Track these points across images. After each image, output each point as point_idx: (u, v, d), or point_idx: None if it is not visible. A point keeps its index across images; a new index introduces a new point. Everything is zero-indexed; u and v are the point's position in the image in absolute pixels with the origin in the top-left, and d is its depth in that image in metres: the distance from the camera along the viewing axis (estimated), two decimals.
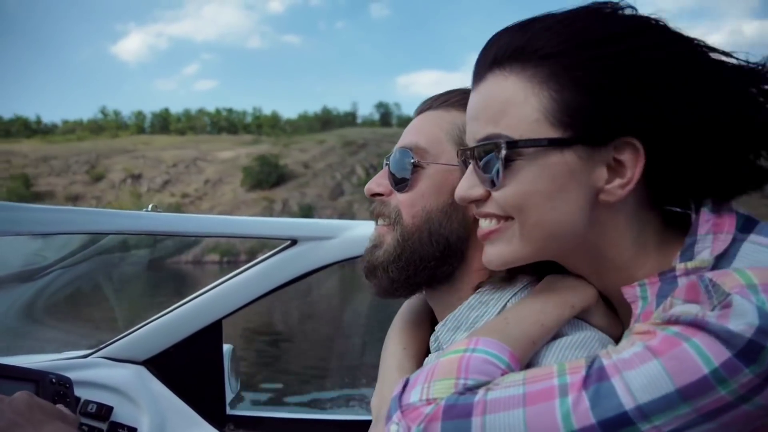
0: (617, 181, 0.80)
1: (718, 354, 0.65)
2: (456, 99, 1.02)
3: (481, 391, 0.74)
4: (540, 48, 0.79)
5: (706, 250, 0.80)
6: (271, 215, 63.86)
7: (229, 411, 2.03)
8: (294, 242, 1.89)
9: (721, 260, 0.79)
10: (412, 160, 1.00)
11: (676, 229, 0.86)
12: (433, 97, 1.06)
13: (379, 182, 1.05)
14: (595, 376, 0.69)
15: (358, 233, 1.85)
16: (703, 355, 0.65)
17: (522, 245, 0.85)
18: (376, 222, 1.07)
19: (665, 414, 0.66)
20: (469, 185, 0.87)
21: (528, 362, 0.85)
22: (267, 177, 76.45)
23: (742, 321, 0.65)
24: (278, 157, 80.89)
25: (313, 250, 1.88)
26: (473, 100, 0.87)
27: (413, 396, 0.77)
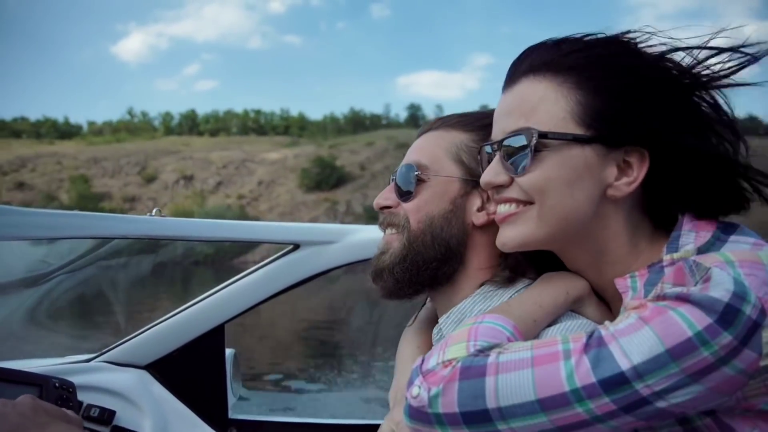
0: (624, 180, 0.93)
1: (700, 319, 0.74)
2: (455, 121, 1.15)
3: (493, 354, 0.83)
4: (572, 62, 0.93)
5: (690, 244, 0.90)
6: (334, 217, 64.80)
7: (231, 415, 2.04)
8: (296, 246, 1.90)
9: (704, 252, 0.89)
10: (416, 173, 1.12)
11: (664, 231, 0.98)
12: (434, 119, 1.20)
13: (386, 196, 1.17)
14: (594, 343, 0.79)
15: (361, 237, 1.86)
16: (687, 321, 0.75)
17: (537, 227, 0.95)
18: (385, 232, 1.18)
19: (657, 373, 0.74)
20: (494, 172, 0.98)
21: None
22: (326, 178, 76.71)
23: (720, 288, 0.75)
24: (334, 159, 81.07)
25: (315, 255, 1.88)
26: (506, 100, 1.00)
27: (431, 362, 0.87)
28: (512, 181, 0.96)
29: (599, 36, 0.96)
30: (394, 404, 1.10)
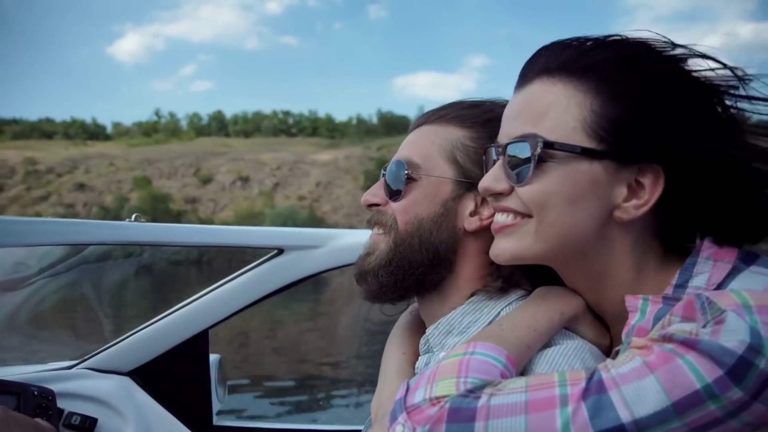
0: (634, 202, 0.85)
1: (710, 371, 0.68)
2: (453, 114, 1.07)
3: (484, 396, 0.77)
4: (590, 63, 0.85)
5: (704, 273, 0.84)
6: None
7: (216, 421, 2.02)
8: (281, 251, 1.89)
9: (719, 286, 0.82)
10: (406, 172, 1.05)
11: (676, 256, 0.90)
12: (431, 111, 1.10)
13: (375, 193, 1.10)
14: (594, 389, 0.73)
15: (345, 242, 1.86)
16: (696, 372, 0.68)
17: (534, 243, 0.88)
18: (372, 230, 1.12)
19: (658, 428, 0.69)
20: (494, 178, 0.91)
21: (523, 368, 0.88)
22: None
23: (734, 337, 0.68)
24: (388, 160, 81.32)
25: (299, 259, 1.87)
26: (516, 100, 0.92)
27: (417, 397, 0.80)
28: (512, 190, 0.90)
29: (622, 37, 0.88)
30: (375, 420, 1.04)
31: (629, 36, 0.88)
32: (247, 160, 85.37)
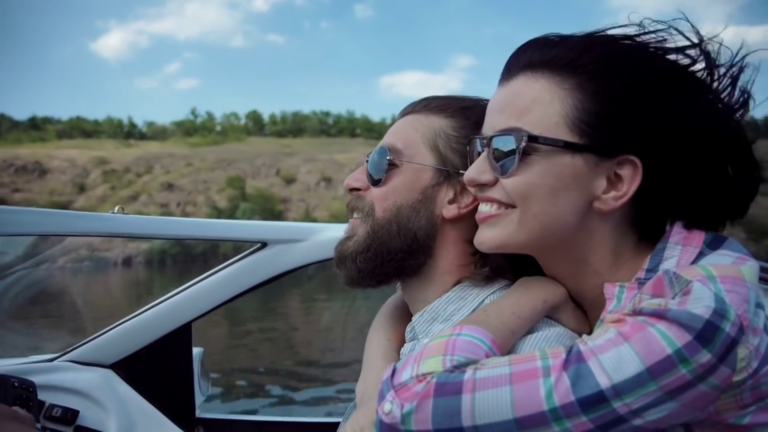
0: (613, 193, 0.89)
1: (679, 336, 0.73)
2: (436, 104, 1.10)
3: (469, 370, 0.80)
4: (573, 59, 0.88)
5: (672, 259, 0.88)
6: None
7: (198, 414, 2.03)
8: (264, 245, 1.90)
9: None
10: (388, 158, 1.07)
11: (650, 242, 0.94)
12: (417, 101, 1.13)
13: (357, 178, 1.12)
14: (574, 359, 0.77)
15: (328, 236, 1.87)
16: (666, 338, 0.73)
17: (517, 232, 0.91)
18: (351, 215, 1.13)
19: (635, 392, 0.73)
20: (479, 170, 0.94)
21: (508, 352, 0.91)
22: None
23: (700, 304, 0.74)
24: None
25: (283, 253, 1.88)
26: (499, 94, 0.94)
27: (404, 375, 0.82)
28: (497, 181, 0.92)
29: (606, 32, 0.90)
30: (360, 403, 1.06)
31: (613, 32, 0.91)
32: (323, 161, 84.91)
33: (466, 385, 0.78)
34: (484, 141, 0.94)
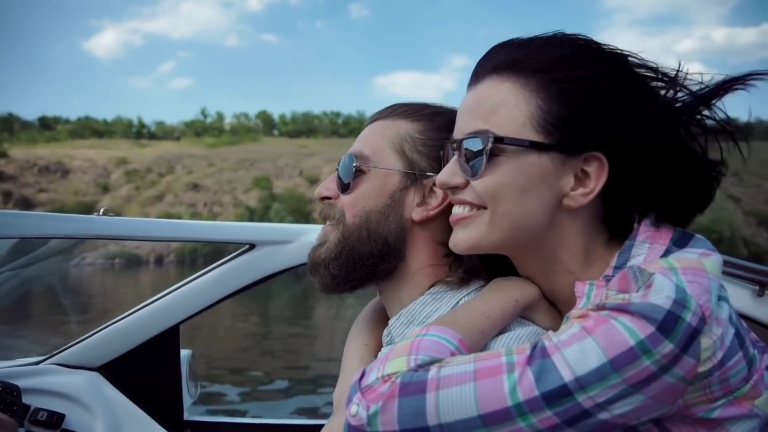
0: (581, 190, 0.91)
1: (642, 328, 0.74)
2: (403, 110, 1.12)
3: (433, 369, 0.80)
4: (536, 63, 0.90)
5: (639, 257, 0.89)
6: None
7: (187, 417, 2.02)
8: (252, 246, 1.90)
9: None
10: (355, 165, 1.09)
11: (619, 240, 0.96)
12: (384, 108, 1.15)
13: (328, 186, 1.14)
14: (538, 354, 0.77)
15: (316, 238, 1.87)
16: (629, 330, 0.74)
17: (489, 233, 0.93)
18: (324, 223, 1.15)
19: (599, 384, 0.74)
20: (451, 173, 0.96)
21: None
22: None
23: (661, 295, 0.75)
24: None
25: (271, 255, 1.88)
26: (468, 98, 0.97)
27: (371, 378, 0.83)
28: (467, 183, 0.94)
29: (566, 35, 0.93)
30: (337, 408, 1.06)
31: (573, 35, 0.94)
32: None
33: (430, 383, 0.79)
34: (455, 144, 0.96)
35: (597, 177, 0.89)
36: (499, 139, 0.89)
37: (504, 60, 0.93)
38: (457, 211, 0.97)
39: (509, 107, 0.90)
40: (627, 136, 0.89)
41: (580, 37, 0.93)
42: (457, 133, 0.96)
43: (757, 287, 1.73)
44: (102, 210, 1.82)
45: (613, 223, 0.96)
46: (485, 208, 0.93)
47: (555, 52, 0.91)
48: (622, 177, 0.90)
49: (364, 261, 1.07)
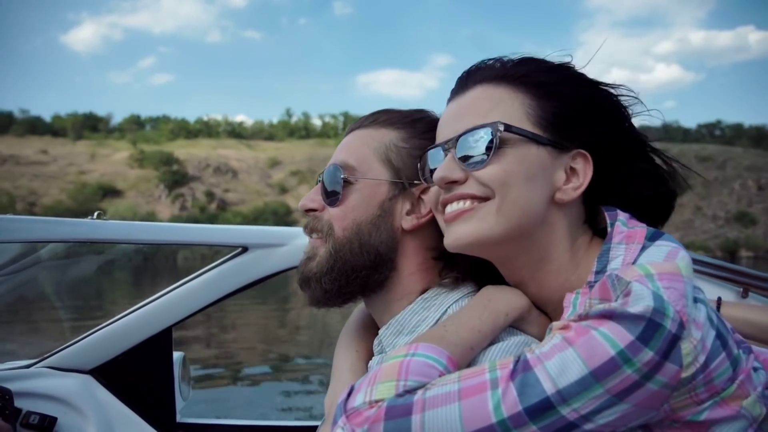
0: (571, 184, 0.96)
1: (622, 337, 0.74)
2: (384, 119, 1.12)
3: (419, 391, 0.80)
4: (523, 71, 0.98)
5: (618, 258, 0.91)
6: None
7: (179, 419, 2.02)
8: (245, 249, 1.90)
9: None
10: (342, 176, 1.07)
11: (599, 242, 1.00)
12: (363, 117, 1.15)
13: (312, 198, 1.11)
14: (521, 368, 0.78)
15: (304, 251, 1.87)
16: (609, 340, 0.75)
17: (496, 222, 0.93)
18: (310, 236, 1.13)
19: (581, 396, 0.74)
20: (448, 169, 0.97)
21: (467, 366, 0.91)
22: None
23: (640, 304, 0.76)
24: None
25: (264, 258, 1.89)
26: (457, 104, 1.01)
27: (357, 400, 0.83)
28: (467, 177, 0.95)
29: (547, 59, 1.01)
30: (328, 416, 1.05)
31: (549, 57, 1.03)
32: None
33: (416, 405, 0.79)
34: (447, 144, 0.98)
35: (584, 173, 0.95)
36: (508, 128, 0.93)
37: (493, 72, 0.99)
38: (455, 207, 0.97)
39: (506, 105, 0.96)
40: (606, 134, 0.97)
41: (562, 62, 1.02)
42: (450, 133, 0.98)
43: (741, 289, 1.77)
44: (96, 214, 1.82)
45: (594, 223, 1.02)
46: (488, 199, 0.94)
47: (539, 63, 0.99)
48: (601, 176, 0.97)
49: (357, 273, 1.05)
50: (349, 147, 1.11)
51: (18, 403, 1.74)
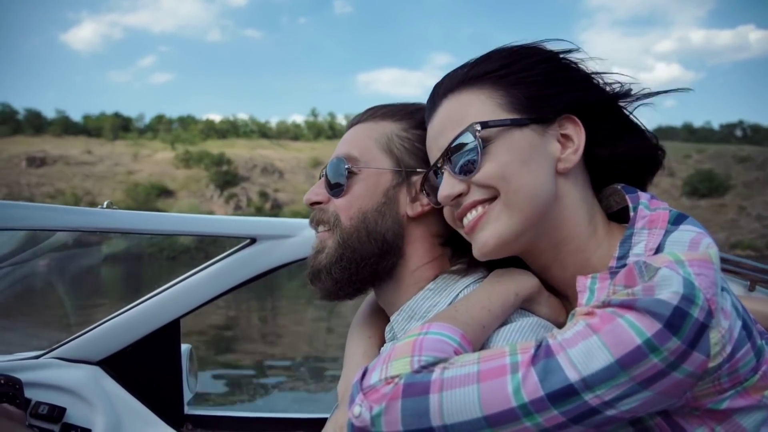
0: (569, 150, 0.96)
1: (649, 326, 0.73)
2: (383, 112, 1.14)
3: (437, 370, 0.80)
4: (482, 70, 0.98)
5: (641, 244, 0.90)
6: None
7: (187, 410, 2.03)
8: (253, 241, 1.90)
9: (657, 251, 0.89)
10: (346, 167, 1.09)
11: (617, 227, 0.99)
12: (363, 112, 1.18)
13: (316, 192, 1.14)
14: (542, 354, 0.77)
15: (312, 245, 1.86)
16: (635, 328, 0.74)
17: (510, 218, 0.93)
18: (316, 230, 1.14)
19: (606, 384, 0.74)
20: (449, 185, 0.97)
21: (480, 347, 0.92)
22: (715, 186, 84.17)
23: (668, 290, 0.74)
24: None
25: (272, 249, 1.88)
26: (434, 122, 1.01)
27: (373, 378, 0.83)
28: (468, 186, 0.96)
29: (502, 47, 1.01)
30: (342, 402, 1.06)
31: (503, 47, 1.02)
32: None
33: (433, 385, 0.79)
34: (440, 161, 0.99)
35: (577, 135, 0.96)
36: (484, 124, 0.93)
37: (451, 83, 1.00)
38: (470, 217, 0.97)
39: (477, 106, 0.96)
40: (582, 93, 0.97)
41: (521, 45, 1.02)
42: (437, 153, 1.00)
43: (749, 283, 1.75)
44: (105, 203, 1.81)
45: (602, 189, 1.03)
46: (495, 197, 0.94)
47: (498, 54, 0.99)
48: (591, 136, 0.97)
49: (366, 261, 1.07)
50: (352, 140, 1.13)
51: (27, 393, 1.74)
